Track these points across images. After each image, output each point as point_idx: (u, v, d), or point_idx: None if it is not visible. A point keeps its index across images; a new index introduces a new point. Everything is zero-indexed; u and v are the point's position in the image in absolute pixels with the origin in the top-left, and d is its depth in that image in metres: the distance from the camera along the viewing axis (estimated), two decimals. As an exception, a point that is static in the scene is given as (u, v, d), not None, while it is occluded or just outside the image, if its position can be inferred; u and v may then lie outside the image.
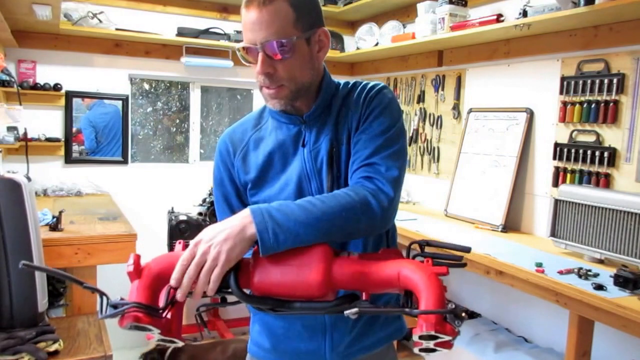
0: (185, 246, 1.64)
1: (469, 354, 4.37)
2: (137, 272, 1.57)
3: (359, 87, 2.08)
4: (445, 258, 1.68)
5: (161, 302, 1.59)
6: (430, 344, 1.50)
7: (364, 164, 1.91)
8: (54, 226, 4.00)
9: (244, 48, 1.90)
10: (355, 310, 1.57)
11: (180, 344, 1.61)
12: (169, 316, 1.58)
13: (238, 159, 2.13)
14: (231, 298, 1.68)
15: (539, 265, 3.42)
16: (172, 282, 1.58)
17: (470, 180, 5.00)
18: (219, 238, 1.63)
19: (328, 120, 2.05)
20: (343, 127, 2.03)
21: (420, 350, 1.54)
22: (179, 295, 1.58)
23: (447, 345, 1.50)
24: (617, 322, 2.92)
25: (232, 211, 2.17)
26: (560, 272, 3.32)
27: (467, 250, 1.77)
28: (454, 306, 1.49)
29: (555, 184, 4.22)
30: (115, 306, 1.50)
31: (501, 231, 4.50)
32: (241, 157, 2.13)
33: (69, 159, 5.89)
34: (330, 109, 2.07)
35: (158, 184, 6.33)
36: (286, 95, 1.96)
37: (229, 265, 1.61)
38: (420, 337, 1.47)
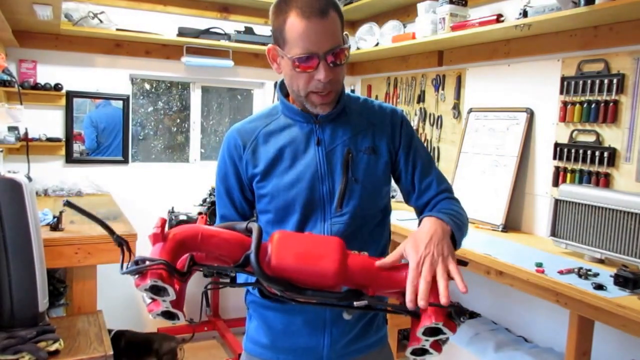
0: (206, 220, 1.70)
1: (469, 353, 4.37)
2: (162, 235, 1.58)
3: (383, 109, 2.28)
4: None
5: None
6: (428, 343, 1.58)
7: (443, 190, 2.24)
8: (55, 226, 4.01)
9: (301, 57, 1.95)
10: (364, 302, 1.65)
11: (182, 319, 1.61)
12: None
13: (248, 152, 2.18)
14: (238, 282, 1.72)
15: (539, 265, 3.42)
16: (409, 304, 1.63)
17: (470, 180, 4.99)
18: (426, 240, 1.79)
19: (343, 125, 2.18)
20: (365, 139, 2.18)
21: (413, 351, 1.62)
22: (421, 303, 1.61)
23: (438, 347, 1.60)
24: (617, 321, 2.92)
25: (234, 206, 2.26)
26: (561, 272, 3.31)
27: (464, 264, 1.91)
28: (457, 303, 1.55)
29: (556, 183, 4.22)
30: (137, 263, 1.51)
31: (501, 231, 4.50)
32: (251, 150, 2.18)
33: (69, 159, 5.90)
34: (346, 114, 2.20)
35: (158, 184, 6.34)
36: (333, 99, 2.10)
37: (454, 255, 1.81)
38: (424, 332, 1.56)
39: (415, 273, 1.68)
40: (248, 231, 1.69)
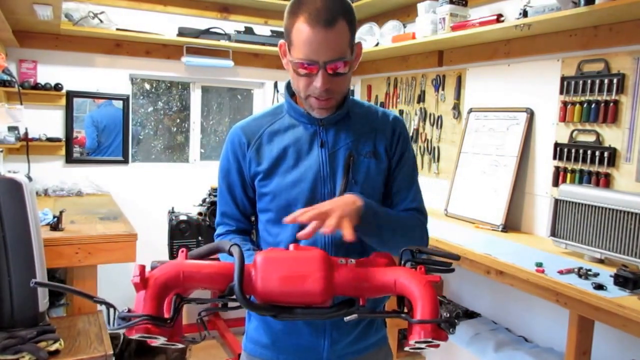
0: (187, 255, 1.71)
1: (469, 353, 4.37)
2: (143, 282, 1.59)
3: (386, 116, 2.32)
4: (437, 264, 1.80)
5: (166, 311, 1.62)
6: (423, 346, 1.61)
7: (413, 208, 2.27)
8: (55, 226, 4.01)
9: (302, 62, 1.97)
10: (354, 316, 1.67)
11: (181, 346, 1.64)
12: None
13: (252, 150, 2.20)
14: (231, 304, 1.71)
15: (539, 265, 3.42)
16: (288, 218, 1.85)
17: (470, 180, 4.99)
18: (338, 203, 1.91)
19: (347, 129, 2.21)
20: (366, 144, 2.22)
21: (411, 349, 1.65)
22: (307, 230, 1.80)
23: (436, 345, 1.62)
24: (617, 321, 2.92)
25: (235, 203, 2.28)
26: (561, 272, 3.32)
27: (456, 258, 1.89)
28: (447, 315, 1.57)
29: (556, 183, 4.21)
30: (123, 318, 1.53)
31: (501, 231, 4.49)
32: (255, 148, 2.20)
33: (69, 159, 5.90)
34: (349, 118, 2.23)
35: (158, 184, 6.34)
36: (333, 105, 2.12)
37: (357, 217, 1.89)
38: (417, 342, 1.59)
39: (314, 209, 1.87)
40: (230, 254, 1.70)
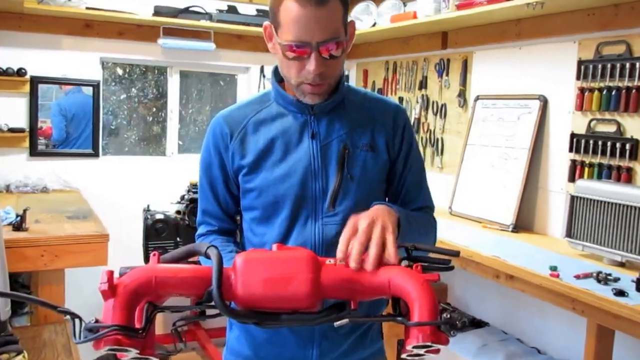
0: (159, 259, 1.68)
1: (476, 366, 4.38)
2: (111, 290, 1.56)
3: (386, 104, 2.32)
4: (434, 262, 1.77)
5: (138, 321, 1.60)
6: (421, 351, 1.59)
7: (424, 207, 2.39)
8: (18, 225, 4.00)
9: (292, 45, 1.96)
10: (345, 321, 1.65)
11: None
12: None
13: (235, 142, 2.19)
14: (209, 311, 1.69)
15: (554, 268, 3.42)
16: (339, 254, 1.73)
17: (477, 175, 5.00)
18: (369, 213, 1.83)
19: (341, 118, 2.20)
20: (363, 135, 2.20)
21: (408, 356, 1.62)
22: (352, 265, 1.68)
23: (436, 351, 1.59)
24: (640, 331, 2.93)
25: (217, 200, 2.29)
26: (577, 277, 3.32)
27: (456, 254, 1.87)
28: (448, 316, 1.55)
29: (572, 178, 4.21)
30: (91, 330, 1.51)
31: (512, 231, 4.50)
32: (239, 140, 2.19)
33: (34, 152, 5.87)
34: (344, 107, 2.22)
35: (132, 179, 6.31)
36: (326, 90, 2.11)
37: (395, 232, 1.80)
38: (415, 347, 1.56)
39: (350, 232, 1.77)
40: (207, 257, 1.68)
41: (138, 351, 1.53)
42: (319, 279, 1.66)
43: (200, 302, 1.64)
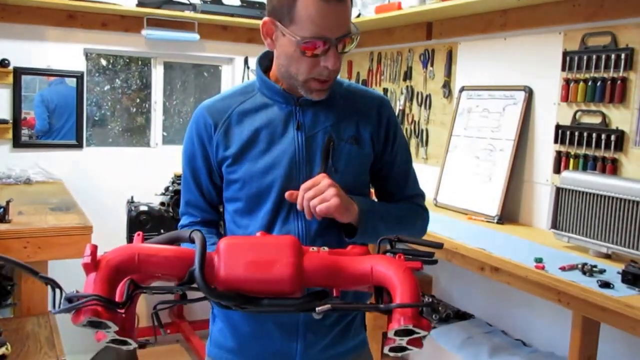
0: (144, 238, 1.66)
1: (461, 359, 4.36)
2: (94, 263, 1.56)
3: (370, 96, 2.34)
4: (417, 254, 1.76)
5: (119, 298, 1.60)
6: (404, 341, 1.59)
7: (412, 195, 2.41)
8: (1, 217, 3.97)
9: (311, 41, 1.96)
10: (327, 307, 1.62)
11: (134, 345, 1.60)
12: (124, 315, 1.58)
13: (219, 133, 2.18)
14: (191, 295, 1.69)
15: (539, 260, 3.41)
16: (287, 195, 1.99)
17: (462, 166, 4.98)
18: (337, 189, 1.97)
19: (327, 110, 2.20)
20: (348, 127, 2.21)
21: (391, 349, 1.62)
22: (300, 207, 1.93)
23: (418, 343, 1.60)
24: (625, 323, 2.91)
25: (200, 191, 2.30)
26: (563, 269, 3.30)
27: (439, 246, 1.89)
28: (429, 299, 1.55)
29: (557, 170, 4.20)
30: (70, 300, 1.49)
31: (497, 223, 4.49)
32: (223, 131, 2.18)
33: (17, 143, 5.82)
34: (328, 99, 2.17)
35: (116, 171, 6.28)
36: (330, 86, 2.12)
37: (335, 209, 1.96)
38: (396, 333, 1.56)
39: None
40: (191, 241, 1.67)
41: (117, 328, 1.51)
42: (302, 264, 1.67)
43: (182, 283, 1.63)
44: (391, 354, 1.66)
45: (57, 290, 1.53)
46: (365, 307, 1.77)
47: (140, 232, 1.68)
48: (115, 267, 1.57)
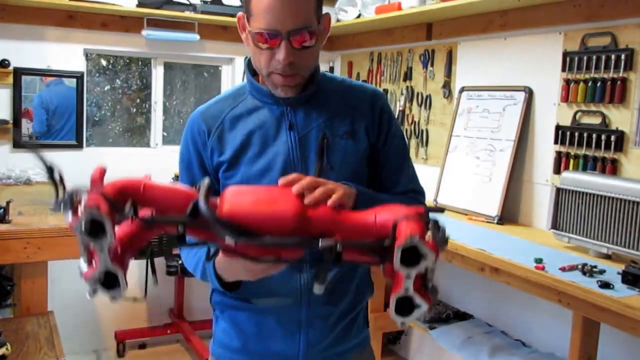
0: (150, 178, 1.68)
1: (461, 359, 4.36)
2: (101, 182, 1.58)
3: (363, 90, 2.31)
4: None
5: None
6: (410, 289, 1.50)
7: (409, 189, 2.33)
8: (1, 217, 3.99)
9: (262, 33, 1.96)
10: (332, 243, 1.59)
11: (123, 287, 1.50)
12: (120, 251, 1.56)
13: (213, 139, 2.18)
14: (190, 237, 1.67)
15: (539, 261, 3.41)
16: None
17: (462, 166, 4.98)
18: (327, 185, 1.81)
19: (319, 108, 2.19)
20: (342, 123, 2.19)
21: (397, 305, 1.52)
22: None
23: (427, 297, 1.52)
24: (626, 323, 2.91)
25: None
26: (563, 269, 3.30)
27: (441, 211, 1.86)
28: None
29: (557, 170, 4.19)
30: (72, 195, 1.48)
31: (497, 223, 4.48)
32: (216, 137, 2.18)
33: (17, 143, 5.81)
34: (320, 96, 2.20)
35: (116, 171, 6.16)
36: (299, 82, 2.09)
37: (348, 198, 1.80)
38: (397, 301, 1.51)
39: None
40: (197, 189, 1.66)
41: (112, 240, 1.44)
42: (305, 208, 1.68)
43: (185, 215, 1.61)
44: (398, 320, 1.60)
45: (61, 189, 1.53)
46: (371, 244, 1.71)
47: (149, 175, 1.69)
48: (122, 189, 1.59)
